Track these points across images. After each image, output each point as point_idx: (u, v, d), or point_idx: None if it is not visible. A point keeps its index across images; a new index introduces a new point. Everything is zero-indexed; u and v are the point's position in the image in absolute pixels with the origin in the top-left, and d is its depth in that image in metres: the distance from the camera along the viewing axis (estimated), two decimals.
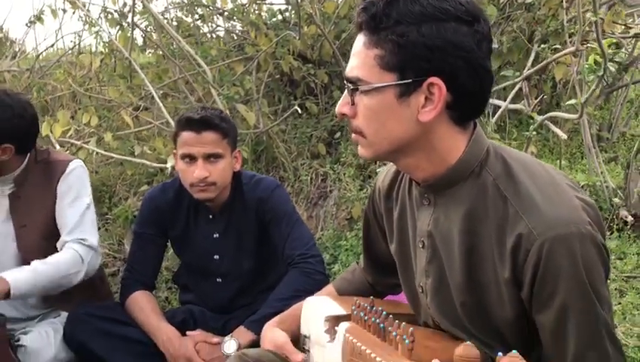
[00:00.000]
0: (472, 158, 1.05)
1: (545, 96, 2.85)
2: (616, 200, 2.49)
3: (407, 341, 0.97)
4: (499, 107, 2.60)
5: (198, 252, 2.11)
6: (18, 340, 1.87)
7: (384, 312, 1.08)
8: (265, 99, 3.43)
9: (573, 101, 2.13)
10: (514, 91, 2.56)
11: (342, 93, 3.03)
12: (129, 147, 3.36)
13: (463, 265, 1.06)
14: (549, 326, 0.98)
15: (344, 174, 3.16)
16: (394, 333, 1.02)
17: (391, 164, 1.27)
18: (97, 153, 3.33)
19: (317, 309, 1.37)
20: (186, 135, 1.93)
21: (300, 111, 3.06)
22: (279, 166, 3.38)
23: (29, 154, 1.99)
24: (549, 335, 0.99)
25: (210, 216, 2.08)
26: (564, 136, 2.22)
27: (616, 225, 2.48)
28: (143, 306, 1.99)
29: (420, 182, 1.12)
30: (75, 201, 1.98)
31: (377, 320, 1.09)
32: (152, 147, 3.24)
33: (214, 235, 2.08)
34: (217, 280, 2.12)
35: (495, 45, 2.77)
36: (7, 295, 1.76)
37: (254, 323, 1.85)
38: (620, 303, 2.07)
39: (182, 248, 2.17)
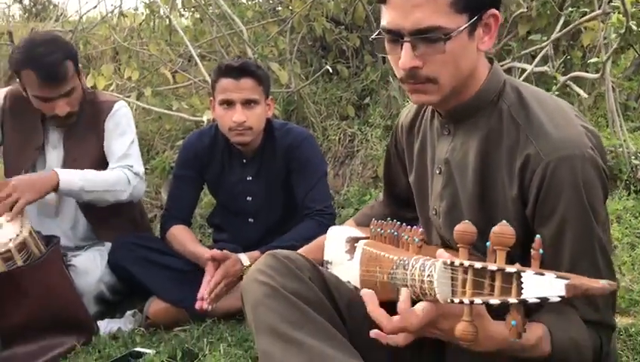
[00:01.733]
0: (491, 89, 1.15)
1: (570, 58, 2.90)
2: (635, 161, 2.55)
3: (416, 240, 1.10)
4: (525, 71, 2.67)
5: (232, 193, 2.26)
6: (70, 260, 2.06)
7: (398, 222, 1.21)
8: (297, 61, 3.54)
9: (595, 60, 2.20)
10: (540, 55, 2.63)
11: (372, 57, 3.14)
12: (167, 103, 3.53)
13: (476, 187, 1.16)
14: (548, 238, 1.08)
15: (371, 135, 3.27)
16: (405, 237, 1.14)
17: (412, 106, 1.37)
18: (137, 108, 3.51)
19: (339, 235, 1.49)
20: (226, 82, 2.07)
21: (331, 71, 3.16)
22: (309, 126, 3.50)
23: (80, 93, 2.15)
24: (547, 246, 1.07)
25: (244, 161, 2.23)
26: (585, 96, 2.30)
27: (634, 185, 2.55)
28: (182, 236, 2.16)
29: (445, 113, 1.22)
30: (121, 136, 2.17)
31: (392, 230, 1.22)
32: (189, 103, 3.40)
33: (247, 178, 2.23)
34: (249, 220, 2.28)
35: (524, 9, 2.83)
36: (55, 188, 1.94)
37: (268, 249, 1.98)
38: (630, 255, 2.16)
39: (217, 189, 2.32)
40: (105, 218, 2.18)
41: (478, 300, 0.80)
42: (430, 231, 1.32)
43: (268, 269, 1.16)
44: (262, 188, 2.23)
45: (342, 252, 1.43)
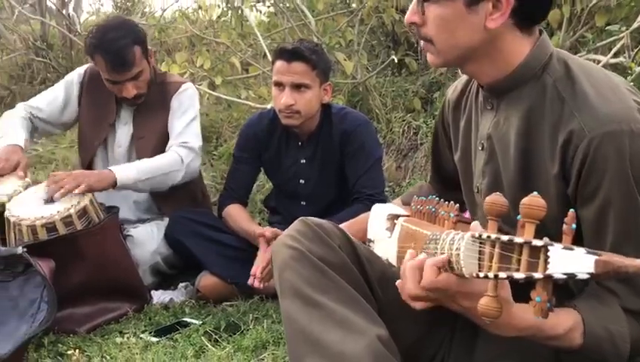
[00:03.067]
0: (535, 62, 1.10)
1: None
2: None
3: (452, 215, 1.07)
4: (599, 63, 2.54)
5: (286, 176, 2.28)
6: (128, 231, 2.15)
7: (437, 198, 1.18)
8: (365, 52, 3.53)
9: None
10: (617, 46, 2.49)
11: None
12: (237, 93, 3.61)
13: (517, 164, 1.12)
14: (590, 220, 1.02)
15: None
16: (442, 212, 1.11)
17: (461, 78, 1.34)
18: (209, 97, 3.62)
19: (381, 212, 1.47)
20: (279, 64, 2.09)
21: (396, 60, 3.13)
22: (373, 118, 3.48)
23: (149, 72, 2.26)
24: (589, 228, 1.03)
25: (299, 143, 2.24)
26: None
27: None
28: (237, 215, 2.21)
29: (484, 85, 1.18)
30: (183, 115, 2.25)
31: (430, 206, 1.19)
32: (258, 93, 3.46)
33: (302, 161, 2.25)
34: (302, 203, 2.29)
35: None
36: (113, 185, 2.04)
37: None
38: None
39: (272, 171, 2.36)
40: (167, 194, 2.26)
41: (502, 274, 0.77)
42: (475, 211, 1.29)
43: (297, 234, 1.16)
44: (315, 171, 2.24)
45: (382, 229, 1.41)
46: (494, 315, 0.80)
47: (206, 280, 2.12)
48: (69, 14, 4.98)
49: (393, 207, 1.48)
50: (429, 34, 1.10)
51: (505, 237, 0.78)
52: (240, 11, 3.55)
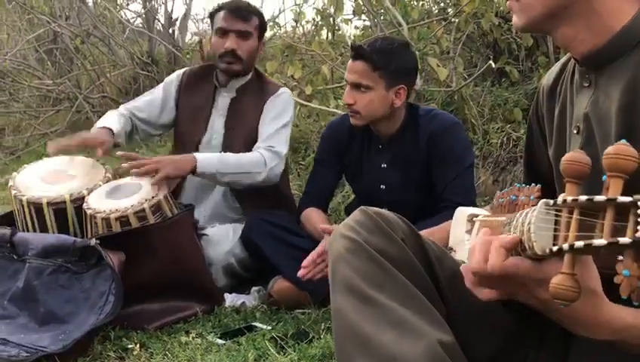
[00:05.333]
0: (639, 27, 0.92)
1: None
2: None
3: (532, 197, 0.90)
4: None
5: (367, 180, 2.16)
6: (204, 229, 2.12)
7: (518, 185, 1.01)
8: (460, 59, 3.36)
9: None
10: None
11: (547, 58, 2.84)
12: (326, 103, 3.56)
13: None
14: None
15: None
16: (522, 198, 0.95)
17: (557, 63, 1.18)
18: (299, 108, 3.60)
19: (463, 215, 1.32)
20: (349, 62, 2.01)
21: (494, 66, 2.93)
22: (469, 128, 3.28)
23: (252, 72, 2.32)
24: None
25: (380, 146, 2.12)
26: None
27: None
28: (315, 218, 2.11)
29: (580, 58, 1.02)
30: (274, 119, 2.22)
31: (511, 196, 1.03)
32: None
33: (382, 165, 2.11)
34: (383, 209, 2.15)
35: None
36: (193, 170, 2.03)
37: None
38: None
39: (353, 176, 2.24)
40: (250, 196, 2.22)
41: (579, 243, 0.60)
42: None
43: (355, 224, 1.02)
44: (397, 176, 2.09)
45: (462, 232, 1.26)
46: (569, 297, 0.62)
47: (279, 284, 2.03)
48: (174, 32, 5.22)
49: (477, 209, 1.32)
50: None
51: (583, 197, 0.61)
52: (332, 20, 3.51)
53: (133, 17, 5.93)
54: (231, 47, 2.20)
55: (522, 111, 3.25)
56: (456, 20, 3.32)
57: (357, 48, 1.98)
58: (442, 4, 3.91)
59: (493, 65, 3.01)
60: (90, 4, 5.69)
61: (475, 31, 3.51)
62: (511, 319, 0.89)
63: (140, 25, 5.54)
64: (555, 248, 0.65)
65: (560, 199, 0.66)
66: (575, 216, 0.63)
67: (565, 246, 0.62)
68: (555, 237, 0.68)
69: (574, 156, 0.67)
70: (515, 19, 1.01)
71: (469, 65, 3.58)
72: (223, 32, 2.22)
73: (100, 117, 2.44)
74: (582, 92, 1.03)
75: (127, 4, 6.10)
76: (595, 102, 0.99)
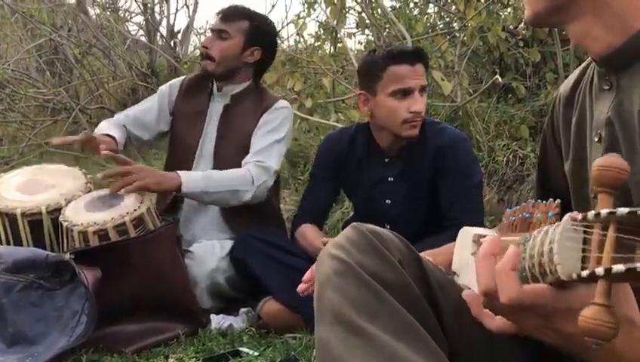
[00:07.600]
0: None
1: None
2: None
3: (550, 214, 0.77)
4: None
5: (369, 195, 2.04)
6: (189, 247, 1.99)
7: (533, 201, 0.89)
8: (465, 74, 3.25)
9: None
10: None
11: (555, 74, 2.74)
12: (327, 116, 3.45)
13: None
14: None
15: None
16: (538, 215, 0.82)
17: (575, 70, 1.06)
18: (299, 122, 3.49)
19: (468, 236, 1.20)
20: (400, 69, 1.85)
21: (500, 80, 2.82)
22: (474, 145, 3.16)
23: (250, 79, 2.20)
24: None
25: (386, 160, 2.00)
26: None
27: None
28: (310, 234, 2.00)
29: (598, 58, 0.91)
30: (270, 132, 2.10)
31: (524, 213, 0.90)
32: (347, 116, 3.28)
33: (389, 178, 2.00)
34: (386, 226, 2.01)
35: None
36: (177, 189, 1.90)
37: None
38: None
39: (353, 191, 2.12)
40: (238, 211, 2.09)
41: (619, 267, 0.47)
42: None
43: (346, 242, 0.88)
44: (404, 191, 1.97)
45: (467, 254, 1.14)
46: (604, 334, 0.49)
47: (269, 306, 1.89)
48: (175, 45, 5.15)
49: (482, 229, 1.20)
50: None
51: (624, 210, 0.48)
52: (334, 33, 3.41)
53: (135, 29, 5.87)
54: (204, 44, 2.15)
55: (529, 128, 3.15)
56: (462, 35, 3.22)
57: (417, 51, 1.92)
58: (447, 19, 3.82)
59: (500, 80, 2.88)
60: (93, 16, 5.63)
61: (481, 47, 3.41)
62: (524, 357, 0.76)
63: (142, 36, 5.48)
64: (584, 273, 0.52)
65: (592, 213, 0.53)
66: (610, 233, 0.51)
67: (599, 270, 0.49)
68: (584, 259, 0.55)
69: (609, 161, 0.54)
70: (525, 12, 0.94)
71: (474, 81, 3.48)
72: (211, 32, 2.19)
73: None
74: (602, 96, 0.92)
75: (130, 17, 6.04)
76: (618, 106, 0.88)
